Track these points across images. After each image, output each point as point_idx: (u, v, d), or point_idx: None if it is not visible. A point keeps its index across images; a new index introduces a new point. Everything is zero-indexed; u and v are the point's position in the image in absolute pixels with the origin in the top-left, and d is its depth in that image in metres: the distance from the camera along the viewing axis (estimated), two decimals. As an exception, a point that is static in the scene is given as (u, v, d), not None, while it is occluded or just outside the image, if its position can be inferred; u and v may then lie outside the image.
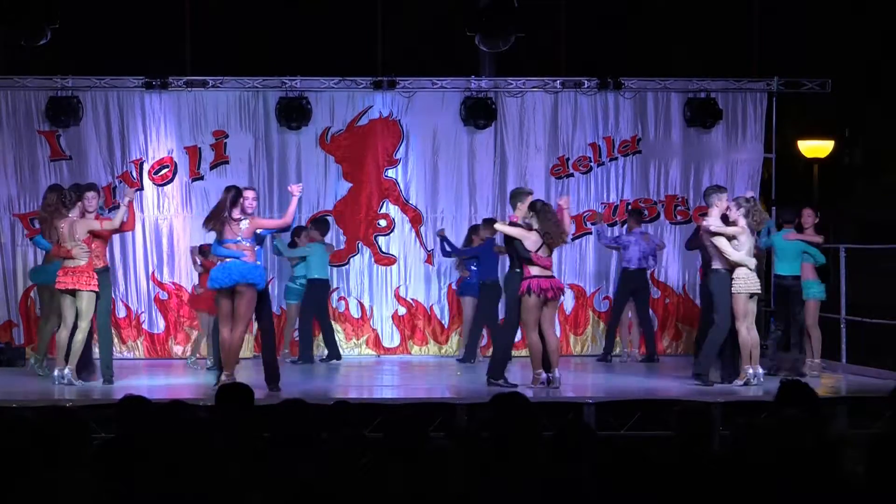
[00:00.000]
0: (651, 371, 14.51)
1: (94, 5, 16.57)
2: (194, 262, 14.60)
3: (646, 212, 15.93)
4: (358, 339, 15.84)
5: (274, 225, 12.42)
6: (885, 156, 27.32)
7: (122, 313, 15.23)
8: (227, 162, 15.62)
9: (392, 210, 15.91)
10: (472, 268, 15.08)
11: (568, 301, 15.78)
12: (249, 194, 11.91)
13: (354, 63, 16.30)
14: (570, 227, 12.54)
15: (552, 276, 12.11)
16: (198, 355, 14.52)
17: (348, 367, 14.92)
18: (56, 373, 12.16)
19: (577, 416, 10.72)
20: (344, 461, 5.55)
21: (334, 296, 15.77)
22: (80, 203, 12.25)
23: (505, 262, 13.52)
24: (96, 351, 12.84)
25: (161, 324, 15.51)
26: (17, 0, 14.05)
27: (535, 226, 12.04)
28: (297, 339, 15.05)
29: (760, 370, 12.27)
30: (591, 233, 15.96)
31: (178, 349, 15.41)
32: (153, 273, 15.48)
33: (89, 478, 4.80)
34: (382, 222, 15.89)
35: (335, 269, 15.78)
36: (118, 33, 17.39)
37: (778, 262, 13.45)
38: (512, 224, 12.28)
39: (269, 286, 13.30)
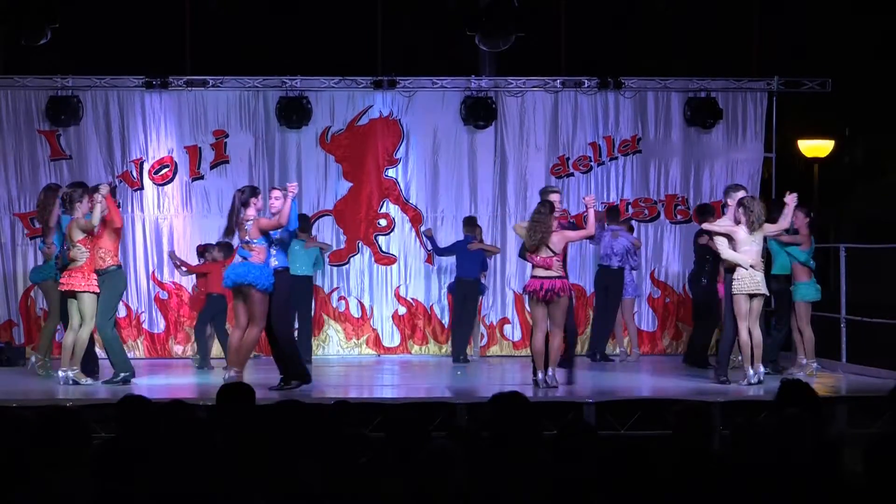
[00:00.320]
0: (651, 371, 14.51)
1: (94, 5, 16.58)
2: (175, 266, 14.63)
3: (646, 211, 15.95)
4: (358, 339, 15.84)
5: (270, 226, 12.16)
6: (885, 155, 27.34)
7: (122, 313, 15.21)
8: (227, 161, 15.62)
9: (392, 209, 15.92)
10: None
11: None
12: (273, 193, 11.98)
13: (354, 62, 16.31)
14: (594, 226, 12.43)
15: (553, 277, 11.99)
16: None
17: (348, 366, 14.92)
18: (60, 374, 12.15)
19: (577, 415, 10.72)
20: (344, 461, 5.55)
21: (334, 295, 15.79)
22: (78, 204, 12.13)
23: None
24: (101, 351, 12.85)
25: (161, 323, 15.51)
26: (17, 0, 14.05)
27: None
28: None
29: (762, 369, 12.27)
30: (591, 232, 15.95)
31: (178, 349, 15.42)
32: (153, 272, 15.48)
33: (89, 478, 4.80)
34: (383, 222, 15.90)
35: (335, 269, 15.79)
36: (118, 33, 17.41)
37: (773, 263, 13.46)
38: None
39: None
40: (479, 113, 15.65)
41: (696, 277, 14.47)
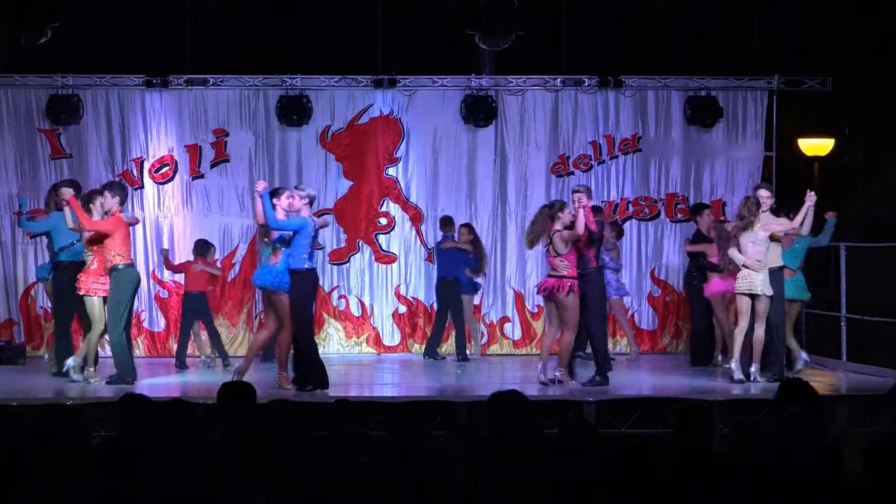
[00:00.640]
0: (652, 369, 14.51)
1: (94, 3, 16.57)
2: (168, 265, 14.69)
3: (646, 210, 15.96)
4: (358, 338, 15.84)
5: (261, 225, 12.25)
6: (886, 154, 27.33)
7: (122, 312, 15.24)
8: (227, 160, 15.63)
9: (392, 208, 15.92)
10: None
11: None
12: (281, 194, 11.99)
13: (355, 61, 16.31)
14: (582, 227, 12.40)
15: (556, 276, 12.06)
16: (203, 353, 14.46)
17: (349, 365, 14.92)
18: (83, 373, 12.19)
19: (577, 414, 10.72)
20: (344, 459, 5.55)
21: (335, 294, 15.79)
22: (90, 204, 12.19)
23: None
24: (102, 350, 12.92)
25: (162, 322, 15.52)
26: (17, -1, 14.08)
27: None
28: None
29: (753, 367, 12.36)
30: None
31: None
32: (154, 271, 15.48)
33: (89, 476, 4.80)
34: (383, 220, 15.90)
35: (335, 268, 15.79)
36: (119, 31, 17.39)
37: None
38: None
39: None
40: (479, 112, 15.65)
41: (689, 277, 14.57)
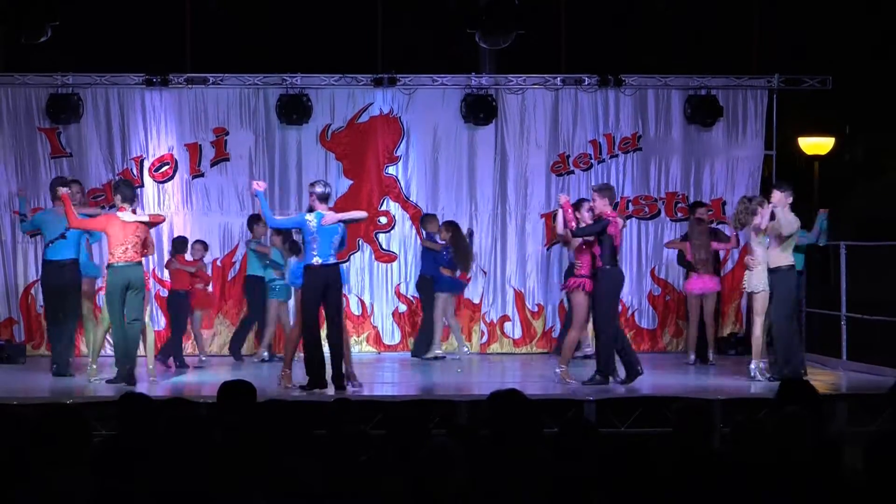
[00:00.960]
0: (652, 368, 14.49)
1: (94, 3, 16.59)
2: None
3: (647, 209, 15.96)
4: (358, 337, 15.83)
5: None
6: (886, 153, 27.35)
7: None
8: (227, 159, 15.63)
9: (392, 207, 15.92)
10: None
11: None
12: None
13: (355, 60, 16.32)
14: (561, 226, 12.53)
15: (575, 276, 12.41)
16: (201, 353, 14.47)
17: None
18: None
19: (578, 413, 10.72)
20: (344, 459, 5.55)
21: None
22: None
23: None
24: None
25: (162, 321, 15.48)
26: (17, -2, 14.08)
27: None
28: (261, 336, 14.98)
29: (752, 365, 12.42)
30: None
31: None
32: (153, 270, 15.46)
33: (89, 476, 4.80)
34: (383, 219, 15.90)
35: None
36: (119, 30, 17.41)
37: None
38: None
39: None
40: (479, 110, 15.65)
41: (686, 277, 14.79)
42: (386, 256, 15.90)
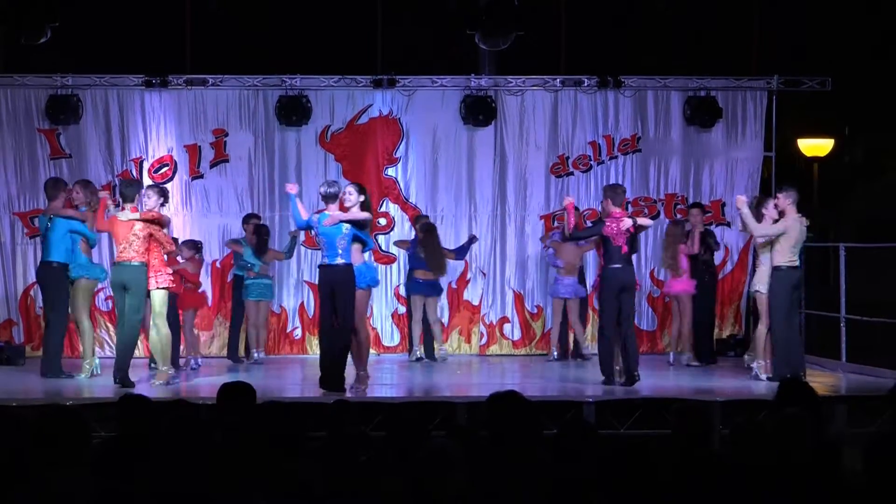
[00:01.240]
0: (651, 370, 14.50)
1: (94, 3, 16.59)
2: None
3: (646, 210, 15.96)
4: (358, 338, 15.81)
5: None
6: (885, 154, 27.37)
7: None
8: (227, 160, 15.63)
9: (392, 209, 15.92)
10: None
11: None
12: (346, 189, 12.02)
13: (354, 61, 16.32)
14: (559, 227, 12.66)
15: None
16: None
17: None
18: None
19: (577, 414, 10.72)
20: (343, 459, 5.55)
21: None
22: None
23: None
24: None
25: (161, 322, 15.50)
26: (17, -1, 14.08)
27: None
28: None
29: (763, 363, 12.45)
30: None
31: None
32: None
33: (89, 477, 4.80)
34: (382, 221, 15.89)
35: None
36: (118, 31, 17.42)
37: None
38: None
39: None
40: (478, 112, 15.65)
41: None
42: (385, 258, 15.90)
